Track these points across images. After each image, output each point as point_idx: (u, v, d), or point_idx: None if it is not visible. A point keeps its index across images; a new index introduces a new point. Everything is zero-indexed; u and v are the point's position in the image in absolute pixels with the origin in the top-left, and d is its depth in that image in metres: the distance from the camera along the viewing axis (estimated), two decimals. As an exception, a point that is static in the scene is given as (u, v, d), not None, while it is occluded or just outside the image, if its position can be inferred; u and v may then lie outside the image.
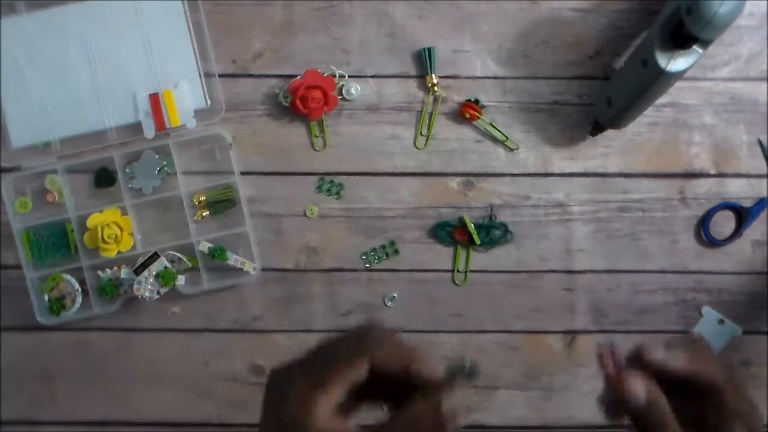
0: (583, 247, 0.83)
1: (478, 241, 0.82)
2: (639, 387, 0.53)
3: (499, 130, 0.82)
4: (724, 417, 0.53)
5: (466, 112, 0.81)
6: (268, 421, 0.49)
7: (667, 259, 0.83)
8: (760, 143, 0.82)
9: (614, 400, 0.54)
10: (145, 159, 0.81)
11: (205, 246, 0.81)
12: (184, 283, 0.81)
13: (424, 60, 0.81)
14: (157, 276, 0.80)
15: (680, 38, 0.66)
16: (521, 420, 0.85)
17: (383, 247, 0.83)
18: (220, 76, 0.82)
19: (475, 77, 0.82)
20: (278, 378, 0.49)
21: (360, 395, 0.49)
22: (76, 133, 0.82)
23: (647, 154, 0.83)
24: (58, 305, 0.81)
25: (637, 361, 0.55)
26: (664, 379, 0.53)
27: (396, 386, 0.48)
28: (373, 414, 0.51)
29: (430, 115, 0.83)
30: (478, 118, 0.81)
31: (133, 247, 0.82)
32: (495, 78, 0.82)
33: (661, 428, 0.53)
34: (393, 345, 0.48)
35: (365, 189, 0.83)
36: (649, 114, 0.82)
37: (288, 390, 0.47)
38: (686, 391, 0.54)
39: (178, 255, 0.82)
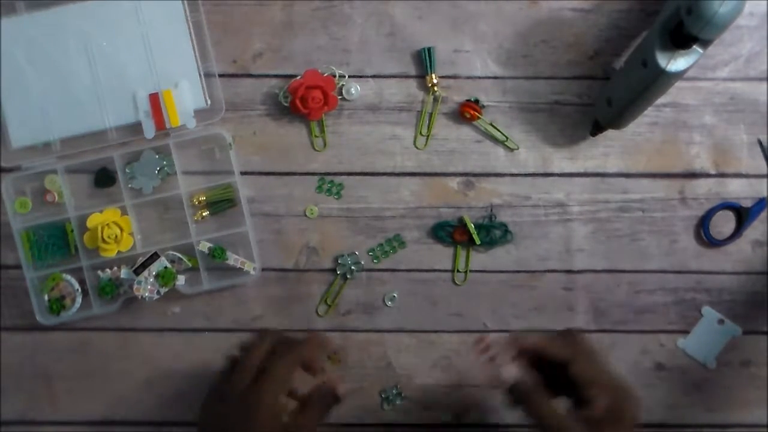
0: (583, 246, 0.83)
1: (478, 241, 0.82)
2: (512, 370, 0.67)
3: (499, 130, 0.82)
4: (579, 384, 0.65)
5: (466, 112, 0.81)
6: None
7: (667, 259, 0.83)
8: (760, 143, 0.82)
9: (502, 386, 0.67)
10: (145, 159, 0.81)
11: (205, 246, 0.81)
12: (184, 283, 0.81)
13: (424, 60, 0.81)
14: (157, 276, 0.80)
15: (680, 38, 0.66)
16: (521, 419, 0.85)
17: (389, 241, 0.83)
18: (220, 76, 0.82)
19: (475, 77, 0.82)
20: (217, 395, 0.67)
21: None
22: (76, 133, 0.82)
23: (647, 154, 0.83)
24: (58, 305, 0.81)
25: (512, 348, 0.68)
26: (540, 365, 0.66)
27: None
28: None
29: (430, 115, 0.83)
30: (478, 118, 0.81)
31: (133, 247, 0.82)
32: (495, 78, 0.82)
33: (529, 398, 0.66)
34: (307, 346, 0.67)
35: (365, 189, 0.83)
36: (649, 114, 0.82)
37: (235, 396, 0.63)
38: (560, 373, 0.65)
39: (178, 255, 0.82)
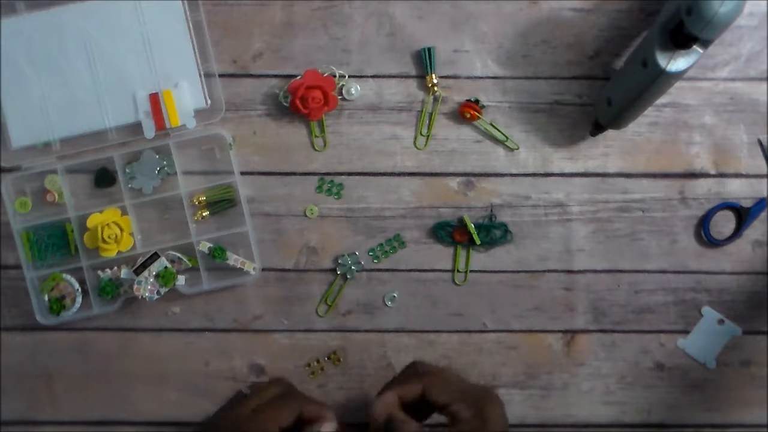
0: (583, 247, 0.83)
1: (478, 241, 0.82)
2: (378, 409, 0.68)
3: (499, 130, 0.82)
4: (441, 407, 0.68)
5: (466, 112, 0.81)
6: None
7: (667, 259, 0.83)
8: (760, 143, 0.82)
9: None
10: (145, 159, 0.81)
11: (205, 246, 0.81)
12: (184, 283, 0.81)
13: (424, 60, 0.81)
14: (157, 276, 0.80)
15: (680, 38, 0.66)
16: (520, 418, 0.85)
17: (389, 241, 0.83)
18: (220, 76, 0.82)
19: (475, 77, 0.82)
20: None
21: None
22: (76, 133, 0.82)
23: (647, 154, 0.83)
24: (58, 305, 0.81)
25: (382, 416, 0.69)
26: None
27: None
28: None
29: (430, 115, 0.83)
30: (478, 118, 0.81)
31: (133, 247, 0.82)
32: (495, 78, 0.82)
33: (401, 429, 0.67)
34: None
35: (365, 189, 0.83)
36: (649, 114, 0.82)
37: None
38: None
39: (178, 255, 0.82)
